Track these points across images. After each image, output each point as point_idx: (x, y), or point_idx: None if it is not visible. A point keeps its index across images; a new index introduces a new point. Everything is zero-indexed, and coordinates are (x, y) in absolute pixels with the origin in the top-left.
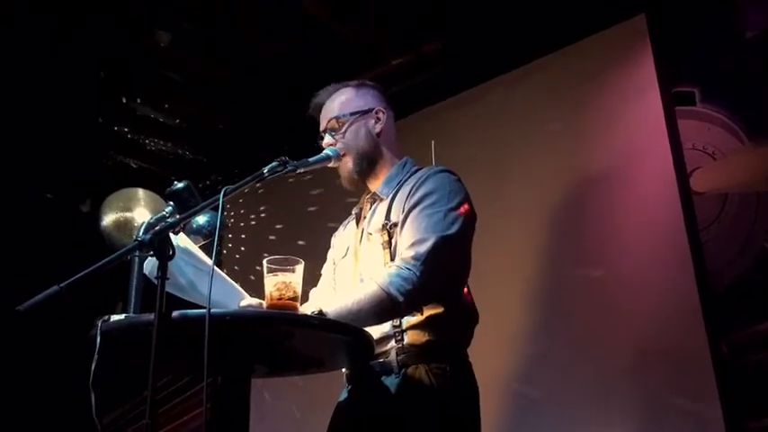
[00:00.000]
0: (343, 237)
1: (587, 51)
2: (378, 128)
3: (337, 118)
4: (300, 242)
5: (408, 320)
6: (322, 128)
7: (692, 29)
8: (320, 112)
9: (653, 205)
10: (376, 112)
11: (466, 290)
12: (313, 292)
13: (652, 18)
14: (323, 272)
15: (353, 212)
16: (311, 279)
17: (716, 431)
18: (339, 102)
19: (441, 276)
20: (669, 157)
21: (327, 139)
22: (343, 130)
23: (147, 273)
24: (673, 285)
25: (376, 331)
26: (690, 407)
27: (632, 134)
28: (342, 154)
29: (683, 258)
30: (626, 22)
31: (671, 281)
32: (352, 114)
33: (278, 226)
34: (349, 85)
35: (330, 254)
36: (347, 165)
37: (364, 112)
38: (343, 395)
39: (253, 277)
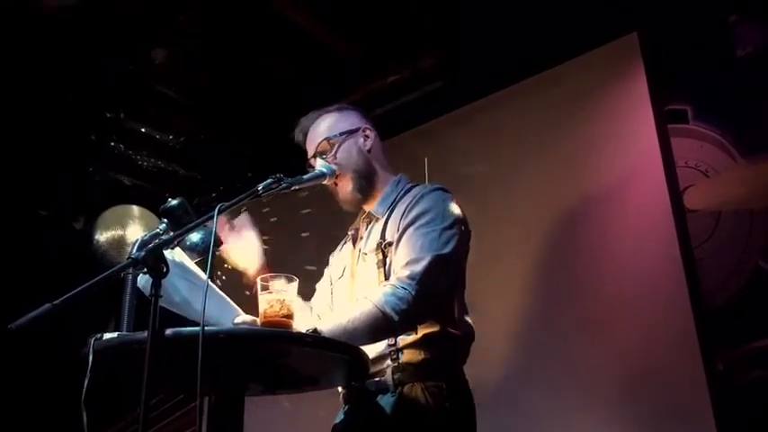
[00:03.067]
0: (340, 257)
1: (580, 69)
2: (368, 145)
3: (328, 139)
4: (293, 259)
5: (404, 339)
6: (311, 153)
7: (684, 47)
8: (305, 139)
9: (646, 223)
10: (363, 131)
11: (462, 308)
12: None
13: (644, 36)
14: (317, 286)
15: (350, 233)
16: (306, 297)
17: None
18: (326, 125)
19: (436, 295)
20: (662, 175)
21: (320, 162)
22: (335, 150)
23: (140, 287)
24: (667, 303)
25: (371, 350)
26: (684, 425)
27: (625, 152)
28: (338, 175)
29: (677, 276)
30: (618, 41)
31: (665, 298)
32: (341, 134)
33: (274, 243)
34: (330, 110)
35: (327, 271)
36: (346, 186)
37: (353, 132)
38: (340, 416)
39: (247, 292)
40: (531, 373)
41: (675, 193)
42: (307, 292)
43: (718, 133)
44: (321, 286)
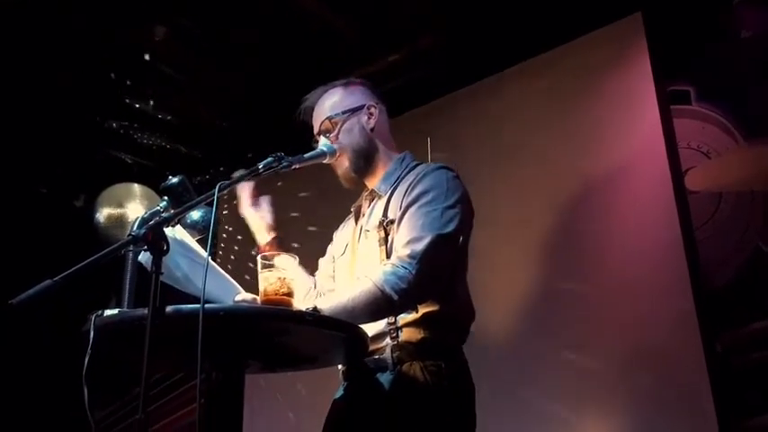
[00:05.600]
0: (343, 234)
1: (583, 49)
2: (371, 123)
3: (330, 118)
4: (295, 245)
5: (404, 318)
6: (316, 131)
7: (687, 28)
8: (311, 115)
9: (648, 204)
10: (368, 108)
11: (463, 287)
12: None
13: (648, 16)
14: (319, 261)
15: (352, 210)
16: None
17: (709, 430)
18: (330, 102)
19: (436, 275)
20: (664, 156)
21: (323, 140)
22: (337, 129)
23: (143, 262)
24: (667, 284)
25: (371, 328)
26: (683, 406)
27: (628, 132)
28: (338, 154)
29: (678, 257)
30: (622, 21)
31: (665, 279)
32: (344, 113)
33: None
34: (336, 85)
35: (330, 248)
36: (344, 164)
37: (356, 110)
38: (339, 392)
39: (248, 277)
40: (531, 354)
41: (677, 175)
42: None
43: (721, 115)
44: (323, 261)
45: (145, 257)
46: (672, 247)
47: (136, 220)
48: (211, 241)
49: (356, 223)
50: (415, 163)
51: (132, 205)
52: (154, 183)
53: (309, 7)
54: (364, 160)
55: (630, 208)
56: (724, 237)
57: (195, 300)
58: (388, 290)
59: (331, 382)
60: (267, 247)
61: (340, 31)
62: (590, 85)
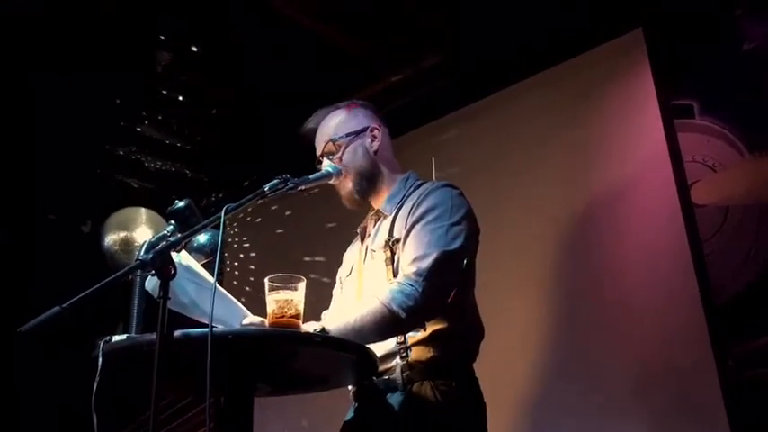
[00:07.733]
0: (349, 255)
1: (586, 66)
2: (375, 146)
3: (333, 140)
4: (307, 258)
5: (413, 336)
6: (319, 152)
7: (688, 42)
8: (314, 137)
9: (654, 218)
10: (371, 130)
11: (471, 304)
12: (324, 314)
13: (649, 32)
14: (333, 293)
15: (357, 231)
16: (315, 297)
17: None
18: (333, 124)
19: (443, 292)
20: (670, 171)
21: (326, 162)
22: (341, 151)
23: (149, 290)
24: (676, 299)
25: (381, 348)
26: (697, 421)
27: (632, 148)
28: (343, 174)
29: (686, 271)
30: (623, 37)
31: (674, 294)
32: (347, 135)
33: (281, 244)
34: (340, 107)
35: (338, 273)
36: (347, 185)
37: (359, 132)
38: (350, 414)
39: (248, 292)
40: (542, 371)
41: (683, 189)
42: (317, 290)
43: (725, 128)
44: (335, 291)
45: (151, 285)
46: (680, 261)
47: (143, 244)
48: (218, 264)
49: (362, 244)
50: (419, 182)
51: (139, 230)
52: (160, 207)
53: (314, 27)
54: (368, 182)
55: (637, 223)
56: (732, 250)
57: (203, 325)
58: (395, 308)
59: (343, 401)
60: None
61: (345, 51)
62: (593, 101)
